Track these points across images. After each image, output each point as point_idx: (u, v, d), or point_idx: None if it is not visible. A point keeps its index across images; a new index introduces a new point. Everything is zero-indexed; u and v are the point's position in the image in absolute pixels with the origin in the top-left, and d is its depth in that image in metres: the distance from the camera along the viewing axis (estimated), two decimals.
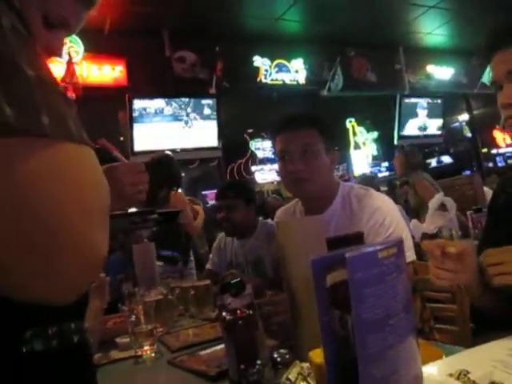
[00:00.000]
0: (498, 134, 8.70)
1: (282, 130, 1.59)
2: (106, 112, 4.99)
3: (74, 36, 4.53)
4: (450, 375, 0.72)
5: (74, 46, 4.53)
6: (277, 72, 5.90)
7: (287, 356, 0.79)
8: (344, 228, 1.39)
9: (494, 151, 9.03)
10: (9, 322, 0.72)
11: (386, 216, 1.47)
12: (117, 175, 0.90)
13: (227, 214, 2.35)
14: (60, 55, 0.89)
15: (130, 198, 0.92)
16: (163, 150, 4.96)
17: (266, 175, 7.72)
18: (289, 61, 6.00)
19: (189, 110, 5.07)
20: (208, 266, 2.63)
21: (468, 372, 0.72)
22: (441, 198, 3.74)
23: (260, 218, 2.56)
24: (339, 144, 7.39)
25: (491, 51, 1.04)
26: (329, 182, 1.58)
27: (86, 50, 4.63)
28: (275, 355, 0.80)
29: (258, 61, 5.78)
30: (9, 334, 0.71)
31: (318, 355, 0.60)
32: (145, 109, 4.83)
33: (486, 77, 7.15)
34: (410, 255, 1.47)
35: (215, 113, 5.19)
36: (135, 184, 0.92)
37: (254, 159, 7.82)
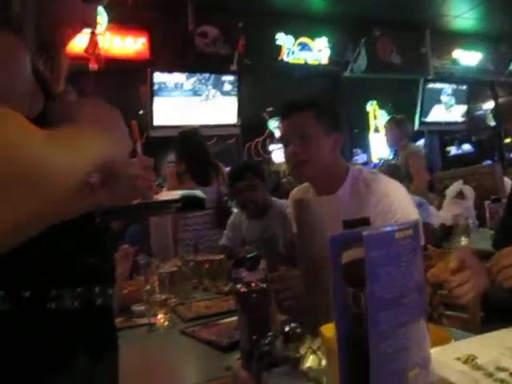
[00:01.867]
0: None
1: (281, 117, 1.64)
2: (128, 84, 5.00)
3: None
4: (458, 359, 0.73)
5: (98, 17, 4.53)
6: (300, 50, 5.82)
7: (298, 330, 0.81)
8: (352, 212, 1.39)
9: None
10: (37, 281, 0.77)
11: (393, 202, 1.46)
12: (132, 169, 0.92)
13: (251, 194, 2.39)
14: (95, 26, 0.91)
15: (144, 192, 0.94)
16: (182, 126, 4.99)
17: (283, 154, 7.70)
18: (312, 39, 5.90)
19: (209, 85, 5.05)
20: (222, 241, 2.67)
21: (475, 357, 0.73)
22: (459, 186, 3.70)
23: (273, 198, 2.58)
24: (359, 127, 7.32)
25: None
26: (332, 164, 1.57)
27: (109, 21, 4.62)
28: (286, 328, 0.82)
29: (281, 38, 5.70)
30: (37, 290, 0.76)
31: (329, 330, 0.61)
32: (165, 83, 4.82)
33: None
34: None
35: (236, 89, 5.16)
36: (147, 178, 0.94)
37: (272, 138, 7.79)
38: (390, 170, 3.40)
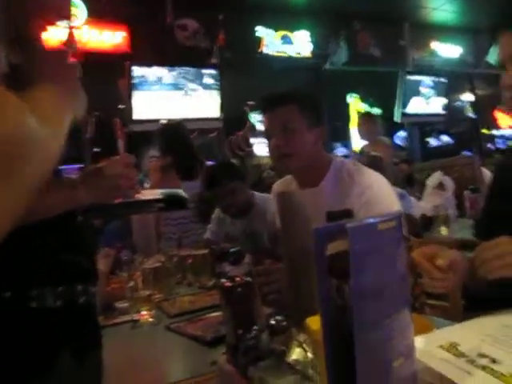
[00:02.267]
0: (499, 116, 8.65)
1: (264, 110, 1.64)
2: (107, 79, 4.92)
3: (75, 0, 4.43)
4: (441, 347, 0.74)
5: (75, 10, 4.44)
6: (282, 44, 5.80)
7: (283, 323, 0.81)
8: (335, 203, 1.40)
9: (494, 132, 9.00)
10: (17, 281, 0.76)
11: (376, 193, 1.47)
12: (114, 168, 0.91)
13: (230, 199, 2.37)
14: (69, 18, 0.89)
15: (126, 191, 0.93)
16: (162, 119, 4.94)
17: (265, 148, 7.69)
18: (293, 32, 5.89)
19: (189, 78, 5.01)
20: (207, 235, 2.65)
21: (458, 344, 0.74)
22: (439, 177, 3.75)
23: (254, 192, 2.57)
24: (340, 119, 7.35)
25: (499, 31, 1.02)
26: (315, 157, 1.57)
27: (87, 15, 4.54)
28: (272, 322, 0.82)
29: (262, 31, 5.68)
30: (18, 290, 0.75)
31: (314, 322, 0.61)
32: (144, 76, 4.77)
33: (492, 56, 7.05)
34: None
35: (217, 83, 5.13)
36: (128, 177, 0.93)
37: (253, 132, 7.77)
38: (372, 161, 3.42)
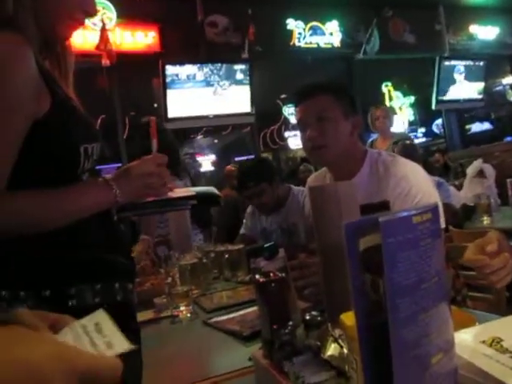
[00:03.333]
0: None
1: (297, 101, 1.61)
2: (141, 78, 5.02)
3: (106, 2, 4.52)
4: (483, 342, 0.72)
5: (106, 12, 4.54)
6: (311, 35, 5.74)
7: (319, 318, 0.80)
8: (371, 195, 1.37)
9: None
10: (56, 279, 0.78)
11: (412, 185, 1.44)
12: (146, 167, 0.93)
13: (258, 200, 2.39)
14: (95, 13, 0.91)
15: (158, 189, 0.95)
16: (196, 117, 4.98)
17: (299, 141, 7.65)
18: (323, 23, 5.82)
19: (221, 75, 5.04)
20: (242, 230, 2.67)
21: (501, 339, 0.71)
22: (479, 165, 3.62)
23: (291, 186, 2.56)
24: None
25: None
26: (351, 148, 1.54)
27: (118, 17, 4.63)
28: (307, 317, 0.82)
29: (292, 24, 5.63)
30: (57, 288, 0.77)
31: (349, 318, 0.60)
32: (177, 75, 4.82)
33: None
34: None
35: (248, 78, 5.13)
36: (161, 176, 0.94)
37: (287, 125, 7.74)
38: (407, 150, 3.34)
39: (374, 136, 4.55)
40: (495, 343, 0.71)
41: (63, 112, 0.84)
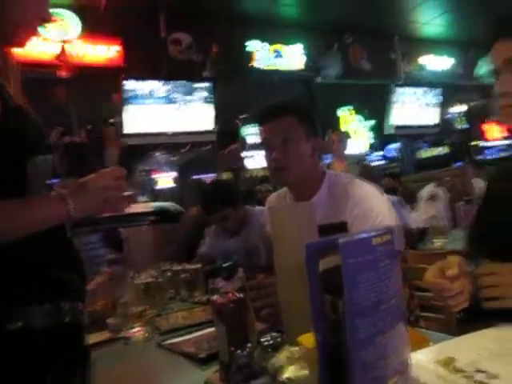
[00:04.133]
0: (491, 127, 8.73)
1: (262, 120, 1.62)
2: (101, 92, 4.93)
3: (70, 14, 4.45)
4: (437, 362, 0.73)
5: (69, 24, 4.45)
6: (273, 57, 5.84)
7: (277, 339, 0.79)
8: (329, 216, 1.38)
9: (486, 143, 9.07)
10: (1, 298, 0.73)
11: (370, 206, 1.46)
12: (103, 180, 0.91)
13: (222, 224, 2.39)
14: (50, 19, 0.89)
15: (115, 203, 0.92)
16: (153, 133, 4.93)
17: (256, 161, 7.68)
18: (286, 46, 5.94)
19: (183, 92, 5.02)
20: (202, 249, 2.63)
21: (454, 359, 0.73)
22: (432, 189, 3.76)
23: (251, 207, 2.56)
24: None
25: (493, 39, 1.03)
26: (311, 169, 1.56)
27: (82, 29, 4.56)
28: (265, 338, 0.81)
29: (254, 45, 5.72)
30: (1, 309, 0.72)
31: (308, 339, 0.60)
32: (138, 90, 4.78)
33: (481, 69, 7.15)
34: (398, 245, 1.47)
35: (211, 95, 5.14)
36: (119, 190, 0.92)
37: (244, 145, 7.77)
38: (365, 170, 3.43)
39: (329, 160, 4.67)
40: (449, 363, 0.72)
41: (13, 121, 0.81)
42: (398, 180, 4.95)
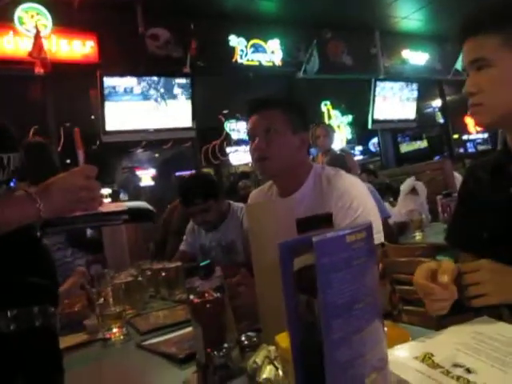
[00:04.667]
0: (469, 121, 8.87)
1: (249, 112, 1.62)
2: (77, 89, 4.84)
3: (41, 8, 4.34)
4: (416, 358, 0.73)
5: (41, 18, 4.34)
6: (253, 52, 5.82)
7: (255, 339, 0.78)
8: (314, 209, 1.39)
9: (465, 137, 9.21)
10: None
11: (353, 198, 1.47)
12: (73, 179, 0.88)
13: (202, 217, 2.34)
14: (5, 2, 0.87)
15: (87, 203, 0.90)
16: (135, 130, 4.88)
17: (240, 156, 7.68)
18: (265, 41, 5.92)
19: (161, 88, 4.97)
20: (182, 247, 2.61)
21: (432, 355, 0.73)
22: (412, 183, 3.79)
23: (231, 202, 2.54)
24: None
25: (461, 39, 1.04)
26: (296, 163, 1.56)
27: (54, 24, 4.45)
28: (242, 338, 0.80)
29: (234, 40, 5.69)
30: None
31: (284, 339, 0.59)
32: (116, 87, 4.71)
33: (460, 63, 7.24)
34: (379, 238, 1.48)
35: (190, 92, 5.10)
36: (90, 189, 0.90)
37: (229, 141, 7.76)
38: (336, 160, 3.43)
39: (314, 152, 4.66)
40: (427, 358, 0.72)
41: None
42: (374, 175, 4.99)
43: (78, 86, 4.74)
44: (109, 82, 4.65)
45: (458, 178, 4.21)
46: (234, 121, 7.36)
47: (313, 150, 4.82)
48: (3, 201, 0.81)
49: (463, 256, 1.17)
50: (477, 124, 1.07)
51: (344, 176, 1.57)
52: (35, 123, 5.11)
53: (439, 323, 1.08)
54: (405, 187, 3.78)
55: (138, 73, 4.88)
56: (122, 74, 4.75)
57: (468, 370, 0.66)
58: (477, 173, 1.19)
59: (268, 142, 1.52)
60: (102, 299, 1.47)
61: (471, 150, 9.15)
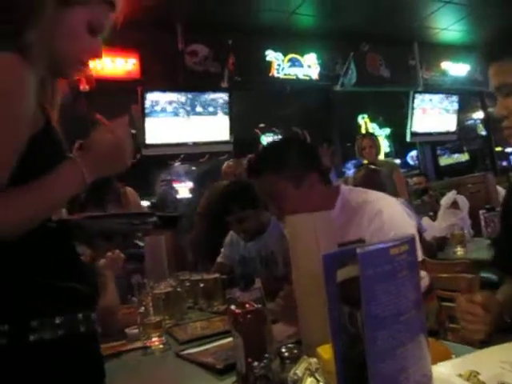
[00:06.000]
0: None
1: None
2: (119, 105, 5.00)
3: None
4: (460, 375, 0.71)
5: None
6: (289, 67, 5.85)
7: (295, 351, 0.78)
8: (344, 233, 1.36)
9: (508, 150, 8.90)
10: (15, 312, 0.74)
11: (385, 220, 1.43)
12: (121, 128, 0.93)
13: (239, 226, 2.35)
14: (101, 57, 0.94)
15: (126, 156, 0.94)
16: (174, 144, 4.98)
17: None
18: (302, 55, 5.95)
19: (200, 103, 5.07)
20: (219, 259, 2.63)
21: (478, 373, 0.71)
22: (453, 197, 3.70)
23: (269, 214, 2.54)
24: (352, 140, 7.35)
25: (487, 62, 1.02)
26: (317, 201, 1.47)
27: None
28: (283, 350, 0.80)
29: (271, 55, 5.74)
30: (16, 322, 0.73)
31: (326, 351, 0.59)
32: (157, 102, 4.84)
33: None
34: (418, 255, 1.44)
35: (227, 106, 5.18)
36: (123, 139, 0.94)
37: None
38: (369, 174, 3.38)
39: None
40: (472, 377, 0.70)
41: (51, 137, 0.84)
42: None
43: (121, 101, 4.90)
44: (150, 97, 4.79)
45: (501, 192, 4.08)
46: (270, 134, 7.39)
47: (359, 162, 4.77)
48: (48, 178, 0.83)
49: (509, 278, 1.14)
50: None
51: (373, 198, 1.53)
52: (80, 137, 5.30)
53: (482, 341, 1.05)
54: (445, 201, 3.69)
55: (178, 88, 5.00)
56: (162, 90, 4.88)
57: None
58: None
59: (278, 208, 1.49)
60: (143, 308, 1.50)
61: None
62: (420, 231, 2.83)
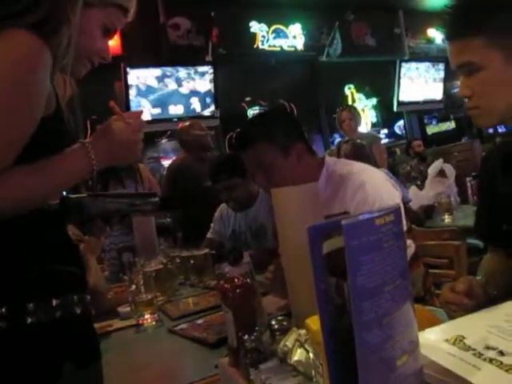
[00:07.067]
0: None
1: (236, 150, 1.64)
2: (101, 82, 4.90)
3: None
4: (446, 340, 0.72)
5: None
6: (274, 38, 5.77)
7: (285, 323, 0.79)
8: (329, 206, 1.37)
9: None
10: (12, 295, 0.74)
11: (369, 192, 1.43)
12: (135, 119, 0.93)
13: (228, 194, 2.36)
14: (110, 60, 0.93)
15: (136, 146, 0.94)
16: (160, 120, 4.92)
17: None
18: (286, 26, 5.86)
19: (184, 78, 4.99)
20: (209, 235, 2.63)
21: (464, 337, 0.72)
22: (440, 165, 3.72)
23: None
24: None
25: (447, 40, 1.01)
26: (302, 172, 1.49)
27: None
28: (273, 322, 0.81)
29: (255, 26, 5.64)
30: (13, 305, 0.73)
31: (315, 322, 0.60)
32: (139, 78, 4.76)
33: None
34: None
35: (212, 80, 5.11)
36: (135, 130, 0.94)
37: None
38: (357, 148, 3.37)
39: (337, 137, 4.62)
40: (458, 341, 0.72)
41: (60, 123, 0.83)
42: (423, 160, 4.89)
43: (103, 78, 4.79)
44: (132, 73, 4.70)
45: None
46: (257, 107, 7.33)
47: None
48: (56, 159, 0.83)
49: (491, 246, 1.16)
50: (477, 126, 1.06)
51: (357, 169, 1.53)
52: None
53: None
54: (432, 170, 3.72)
55: (161, 63, 4.91)
56: (145, 65, 4.79)
57: (501, 353, 0.66)
58: (490, 162, 1.16)
59: (265, 177, 1.50)
60: (134, 286, 1.51)
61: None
62: (404, 201, 2.85)
